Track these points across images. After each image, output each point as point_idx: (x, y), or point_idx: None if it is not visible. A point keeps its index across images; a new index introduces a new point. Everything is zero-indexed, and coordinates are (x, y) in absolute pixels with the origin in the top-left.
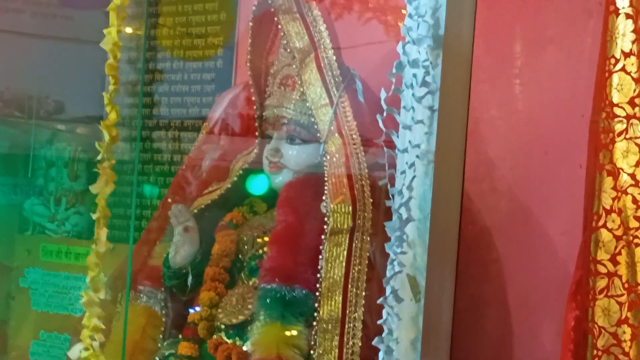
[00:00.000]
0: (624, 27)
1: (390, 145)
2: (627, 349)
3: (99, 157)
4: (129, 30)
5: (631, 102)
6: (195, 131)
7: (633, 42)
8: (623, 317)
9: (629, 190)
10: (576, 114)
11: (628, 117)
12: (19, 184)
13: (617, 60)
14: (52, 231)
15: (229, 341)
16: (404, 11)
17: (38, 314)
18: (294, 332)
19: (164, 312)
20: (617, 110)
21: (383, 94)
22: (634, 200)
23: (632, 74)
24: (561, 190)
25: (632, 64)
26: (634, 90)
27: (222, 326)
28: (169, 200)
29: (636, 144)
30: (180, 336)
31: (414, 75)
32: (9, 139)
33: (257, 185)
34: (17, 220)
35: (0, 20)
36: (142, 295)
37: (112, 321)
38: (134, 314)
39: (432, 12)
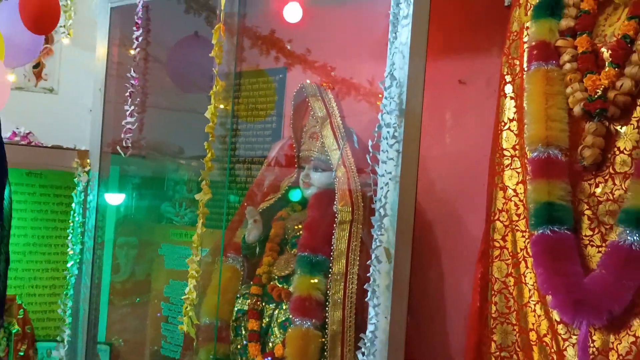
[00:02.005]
0: (509, 104)
1: (374, 172)
2: (512, 291)
3: (201, 179)
4: (221, 106)
5: (513, 148)
6: (259, 164)
7: (514, 113)
8: (509, 272)
9: (512, 199)
10: (483, 155)
11: (512, 157)
12: (158, 194)
13: (505, 123)
14: (177, 222)
15: (280, 285)
16: (380, 95)
17: (168, 270)
18: (317, 281)
19: (242, 268)
20: (505, 152)
21: (370, 143)
22: (515, 205)
23: (514, 132)
24: (475, 198)
25: (514, 126)
26: (515, 141)
27: (276, 277)
28: (245, 204)
29: (516, 172)
30: (251, 282)
31: (388, 132)
32: (152, 168)
33: (296, 195)
34: (157, 215)
35: (150, 101)
36: (229, 258)
37: (212, 273)
38: (224, 270)
39: (397, 95)
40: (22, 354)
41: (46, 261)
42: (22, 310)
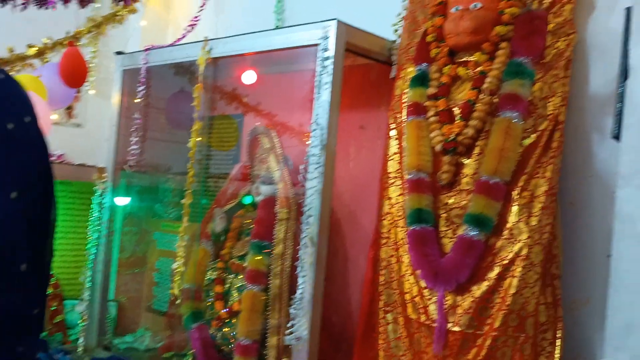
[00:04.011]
0: (393, 143)
1: (304, 186)
2: (394, 267)
3: (186, 188)
4: (199, 138)
5: (396, 172)
6: (224, 179)
7: (397, 149)
8: (392, 254)
9: (394, 205)
10: (375, 176)
11: (395, 178)
12: (153, 198)
13: (390, 156)
14: (166, 217)
15: (238, 262)
16: (307, 135)
17: (159, 250)
18: (263, 259)
19: (211, 250)
20: (390, 175)
21: (301, 167)
22: (397, 210)
23: (396, 161)
24: (369, 204)
25: (397, 157)
26: (397, 168)
27: (235, 256)
28: (214, 206)
29: (398, 188)
30: (218, 260)
31: (313, 160)
32: (149, 180)
33: (248, 200)
34: (152, 212)
35: (149, 134)
36: (203, 243)
37: (191, 254)
38: (199, 251)
39: (320, 136)
40: (54, 308)
41: (73, 244)
42: (54, 278)
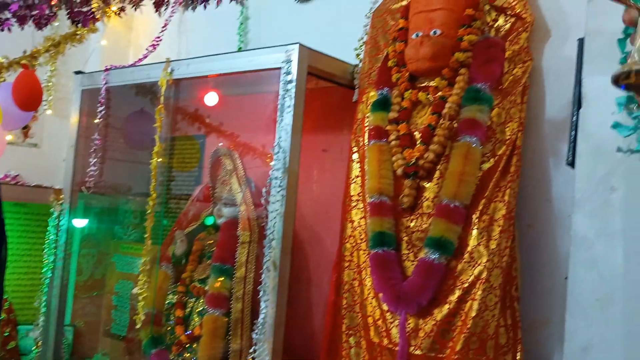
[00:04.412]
0: (355, 166)
1: (266, 209)
2: (356, 290)
3: (147, 208)
4: (160, 159)
5: (358, 195)
6: (186, 200)
7: (359, 172)
8: (354, 277)
9: (357, 228)
10: (337, 198)
11: (357, 200)
12: (112, 219)
13: (353, 179)
14: (125, 239)
15: (199, 285)
16: (270, 156)
17: (118, 272)
18: (225, 282)
19: (172, 273)
20: (353, 198)
21: (264, 189)
22: (359, 233)
23: (358, 184)
24: (332, 227)
25: (359, 180)
26: (359, 190)
27: (196, 279)
28: (175, 228)
29: (360, 210)
30: (178, 283)
31: (276, 183)
32: (108, 201)
33: (210, 221)
34: (111, 234)
35: (109, 155)
36: (163, 266)
37: (152, 277)
38: (159, 274)
39: (283, 159)
40: (7, 334)
41: (28, 267)
42: (7, 302)
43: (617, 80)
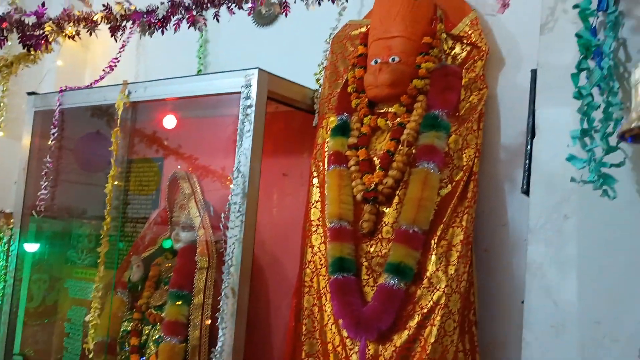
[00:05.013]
0: (315, 191)
1: (225, 235)
2: (316, 316)
3: (102, 236)
4: (116, 182)
5: (318, 220)
6: (143, 224)
7: (319, 197)
8: (314, 303)
9: (317, 254)
10: (297, 223)
11: (317, 225)
12: (65, 244)
13: (313, 204)
14: (79, 264)
15: (155, 312)
16: (230, 178)
17: (71, 298)
18: (182, 309)
19: (127, 300)
20: (313, 222)
21: (223, 215)
22: (319, 258)
23: (318, 209)
24: (291, 252)
25: (319, 205)
26: (319, 215)
27: (152, 306)
28: (131, 253)
29: (320, 235)
30: (134, 310)
31: (235, 208)
32: (61, 225)
33: (167, 244)
34: (64, 259)
35: (62, 177)
36: (118, 292)
37: (105, 303)
38: (114, 301)
39: (242, 183)
40: None
41: None
42: None
43: (622, 135)
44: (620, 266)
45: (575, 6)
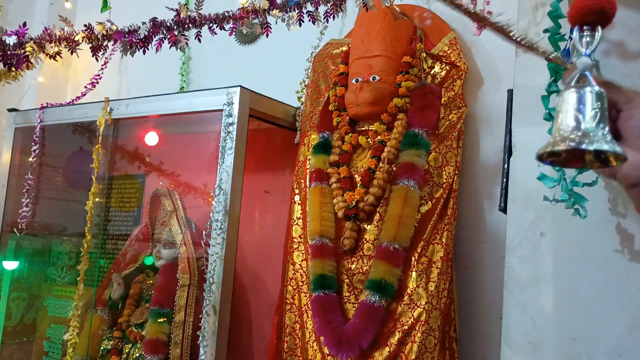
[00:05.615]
0: (297, 208)
1: (207, 252)
2: (298, 333)
3: (82, 254)
4: (97, 199)
5: (300, 237)
6: (124, 241)
7: (300, 214)
8: (296, 320)
9: (299, 271)
10: (279, 240)
11: (299, 242)
12: (45, 261)
13: (295, 221)
14: (59, 282)
15: (136, 330)
16: (212, 194)
17: (51, 317)
18: (163, 327)
19: (107, 318)
20: (295, 239)
21: (204, 232)
22: (301, 275)
23: (300, 226)
24: (273, 269)
25: (301, 222)
26: (300, 232)
27: (133, 324)
28: (112, 270)
29: (302, 253)
30: (114, 328)
31: (217, 225)
32: (41, 243)
33: (149, 261)
34: (44, 276)
35: (42, 194)
36: (98, 310)
37: (85, 321)
38: (94, 319)
39: (224, 201)
40: None
41: None
42: None
43: (541, 158)
44: (595, 283)
45: (546, 30)
